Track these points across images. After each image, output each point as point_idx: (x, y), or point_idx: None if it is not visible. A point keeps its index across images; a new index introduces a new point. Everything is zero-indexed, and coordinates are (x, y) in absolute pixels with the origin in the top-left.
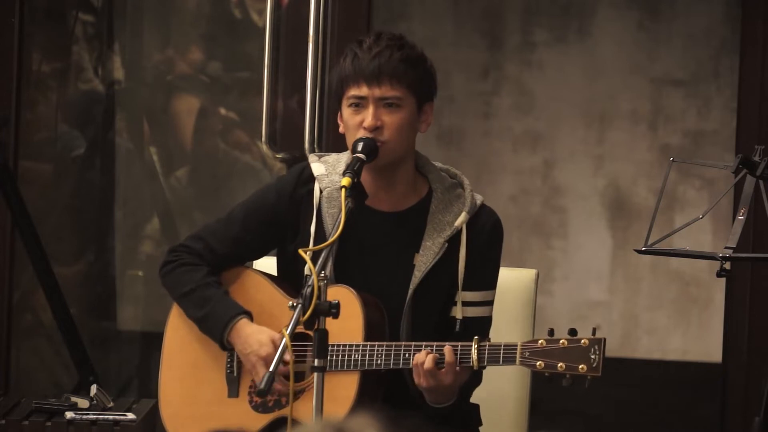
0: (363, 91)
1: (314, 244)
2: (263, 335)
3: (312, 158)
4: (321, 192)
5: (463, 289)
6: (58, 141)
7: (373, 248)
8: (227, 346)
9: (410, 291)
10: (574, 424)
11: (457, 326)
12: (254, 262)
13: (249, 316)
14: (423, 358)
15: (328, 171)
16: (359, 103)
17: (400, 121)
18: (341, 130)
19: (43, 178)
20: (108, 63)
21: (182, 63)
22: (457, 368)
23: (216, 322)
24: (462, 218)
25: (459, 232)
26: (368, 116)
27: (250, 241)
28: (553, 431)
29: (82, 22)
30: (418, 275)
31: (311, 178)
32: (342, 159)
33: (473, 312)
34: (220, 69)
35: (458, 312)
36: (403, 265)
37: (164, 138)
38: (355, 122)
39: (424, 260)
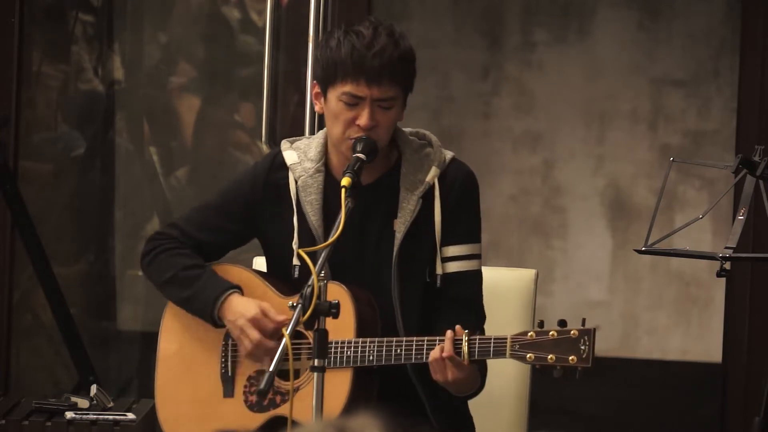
0: (362, 91)
1: (298, 236)
2: (251, 303)
3: (284, 145)
4: (296, 182)
5: (445, 244)
6: (58, 141)
7: (355, 223)
8: (218, 323)
9: (394, 253)
10: (574, 424)
11: (438, 281)
12: (252, 263)
13: (240, 290)
14: (437, 354)
15: (300, 158)
16: (356, 102)
17: (392, 120)
18: (318, 109)
19: (43, 178)
20: (108, 63)
21: (182, 63)
22: (465, 362)
23: (205, 298)
24: (432, 173)
25: (432, 187)
26: (365, 116)
27: (226, 228)
28: (553, 431)
29: (82, 22)
30: (399, 237)
31: (284, 165)
32: (312, 143)
33: (459, 266)
34: (220, 69)
35: (438, 267)
36: (386, 234)
37: (164, 138)
38: (347, 118)
39: (402, 221)
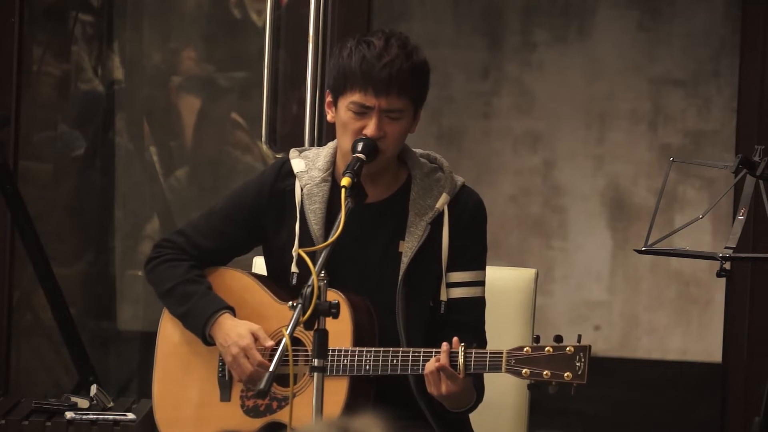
0: (370, 101)
1: (299, 243)
2: (243, 328)
3: (293, 153)
4: (302, 189)
5: (451, 270)
6: (58, 141)
7: (360, 240)
8: (209, 341)
9: (400, 277)
10: (573, 424)
11: (442, 308)
12: (252, 263)
13: (231, 311)
14: (432, 365)
15: (307, 167)
16: (364, 112)
17: (400, 131)
18: (330, 118)
19: (43, 178)
20: (108, 63)
21: (182, 63)
22: (461, 375)
23: (198, 317)
24: (443, 199)
25: (441, 213)
26: (372, 126)
27: (231, 235)
28: (552, 431)
29: (82, 22)
30: (405, 261)
31: (291, 173)
32: (322, 153)
33: (463, 292)
34: (220, 69)
35: (443, 293)
36: (391, 254)
37: (164, 138)
38: (355, 127)
39: (409, 245)
